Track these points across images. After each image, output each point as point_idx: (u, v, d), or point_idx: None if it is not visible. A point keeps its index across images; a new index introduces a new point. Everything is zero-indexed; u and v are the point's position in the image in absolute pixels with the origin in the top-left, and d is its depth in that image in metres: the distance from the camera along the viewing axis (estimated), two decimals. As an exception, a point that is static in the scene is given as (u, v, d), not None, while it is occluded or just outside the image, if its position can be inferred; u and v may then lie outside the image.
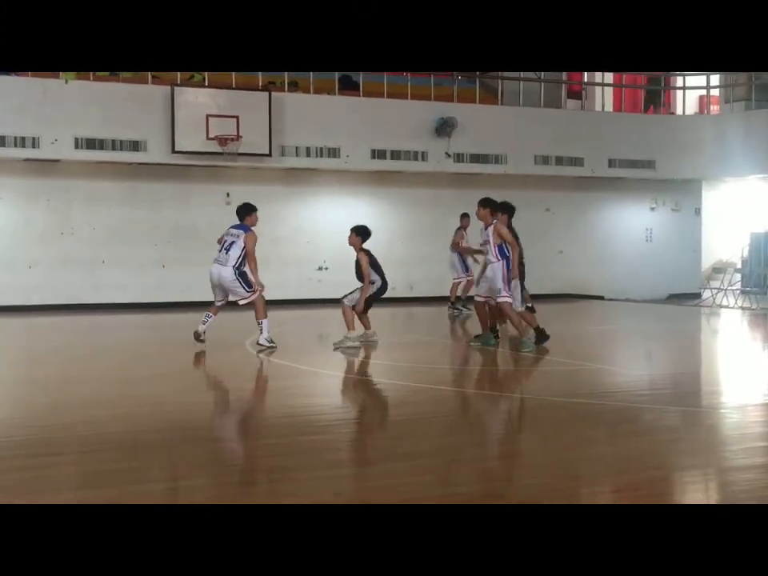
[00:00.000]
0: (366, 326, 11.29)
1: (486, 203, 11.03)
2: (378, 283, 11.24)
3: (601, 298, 20.18)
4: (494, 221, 10.93)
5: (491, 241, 10.72)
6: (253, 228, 11.19)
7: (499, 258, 10.60)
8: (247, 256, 10.94)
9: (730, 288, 18.84)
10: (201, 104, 16.93)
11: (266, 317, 10.90)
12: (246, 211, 11.32)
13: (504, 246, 10.65)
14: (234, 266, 10.95)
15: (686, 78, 22.09)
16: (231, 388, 8.89)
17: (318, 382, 9.15)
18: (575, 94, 22.18)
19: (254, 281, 10.99)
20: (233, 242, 11.01)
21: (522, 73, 20.39)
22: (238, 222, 11.30)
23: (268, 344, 10.78)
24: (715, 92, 22.15)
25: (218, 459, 5.69)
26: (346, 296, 11.33)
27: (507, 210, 11.31)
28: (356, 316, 11.12)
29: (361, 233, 11.24)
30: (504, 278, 10.47)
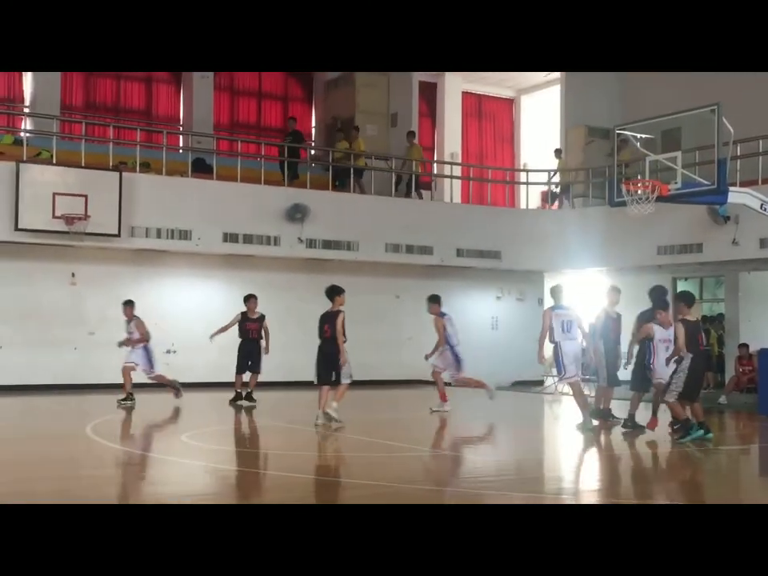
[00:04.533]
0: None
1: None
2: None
3: (448, 384, 20.50)
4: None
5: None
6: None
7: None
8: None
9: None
10: (48, 182, 16.52)
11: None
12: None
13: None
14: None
15: (529, 174, 23.16)
16: (68, 476, 8.51)
17: (161, 469, 8.87)
18: (425, 185, 22.87)
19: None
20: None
21: (374, 162, 20.91)
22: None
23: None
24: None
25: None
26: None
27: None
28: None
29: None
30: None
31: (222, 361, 18.92)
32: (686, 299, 10.89)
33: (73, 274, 18.18)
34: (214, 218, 18.26)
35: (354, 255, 19.81)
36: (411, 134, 21.85)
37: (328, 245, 19.49)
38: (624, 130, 13.75)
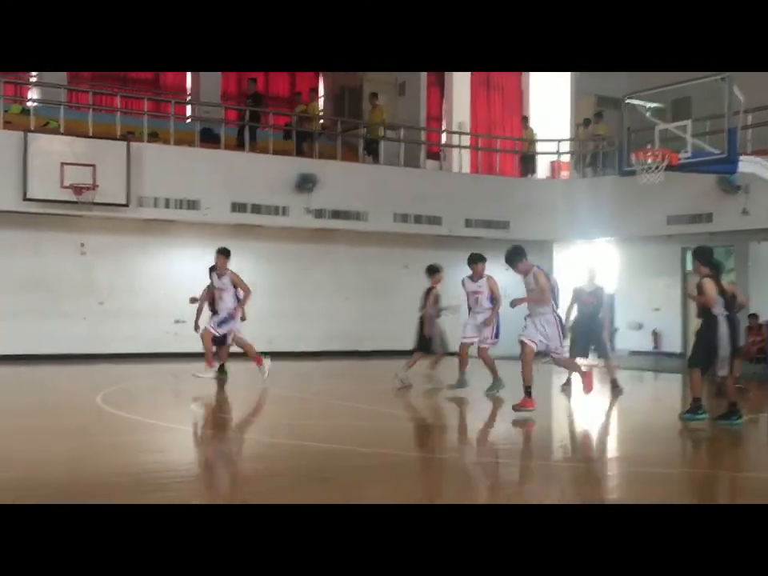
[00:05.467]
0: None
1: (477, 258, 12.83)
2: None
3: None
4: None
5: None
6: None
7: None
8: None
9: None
10: (56, 151, 16.51)
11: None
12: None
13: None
14: None
15: (538, 144, 23.02)
16: (80, 443, 8.56)
17: (170, 437, 8.92)
18: (434, 155, 22.76)
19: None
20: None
21: (382, 132, 20.80)
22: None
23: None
24: (566, 158, 23.13)
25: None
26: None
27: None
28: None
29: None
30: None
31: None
32: (700, 256, 10.02)
33: (82, 244, 18.21)
34: (222, 188, 18.23)
35: (362, 225, 19.77)
36: (374, 95, 21.52)
37: (336, 215, 19.45)
38: (634, 99, 13.63)
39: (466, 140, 23.41)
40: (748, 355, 17.02)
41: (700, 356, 9.67)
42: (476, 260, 12.89)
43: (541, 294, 10.04)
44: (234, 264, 19.61)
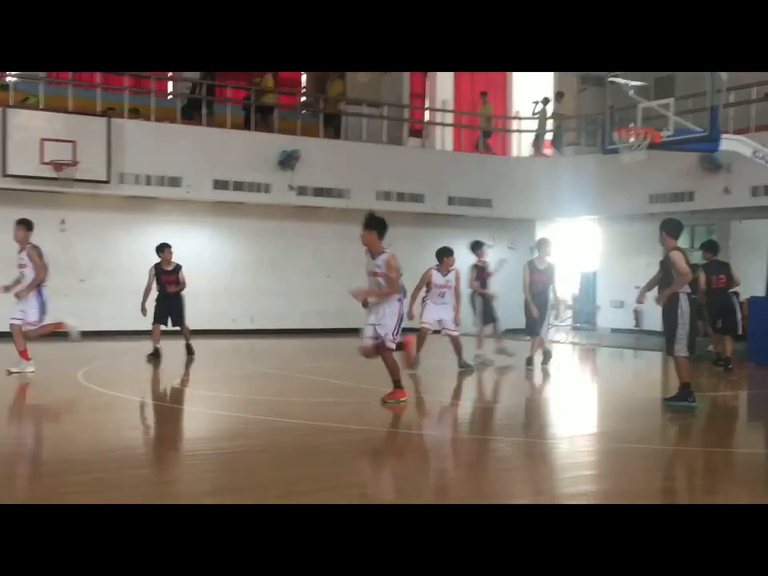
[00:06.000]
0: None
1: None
2: None
3: (439, 332, 20.55)
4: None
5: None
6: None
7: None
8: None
9: (561, 324, 19.60)
10: (36, 127, 16.35)
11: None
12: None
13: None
14: None
15: (522, 121, 22.99)
16: (62, 420, 8.54)
17: (151, 414, 8.91)
18: (416, 133, 22.70)
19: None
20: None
21: (364, 109, 20.71)
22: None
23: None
24: (549, 136, 23.10)
25: (36, 496, 5.44)
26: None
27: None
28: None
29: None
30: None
31: (213, 307, 18.95)
32: (668, 228, 9.65)
33: (62, 221, 18.07)
34: (204, 165, 18.12)
35: (344, 203, 19.72)
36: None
37: (319, 192, 19.39)
38: (617, 77, 13.62)
39: (450, 118, 23.35)
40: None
41: (667, 336, 9.19)
42: (445, 253, 12.57)
43: (391, 285, 9.44)
44: (215, 242, 19.62)
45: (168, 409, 9.28)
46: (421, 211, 20.79)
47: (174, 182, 17.91)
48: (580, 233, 22.37)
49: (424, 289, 12.58)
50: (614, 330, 20.36)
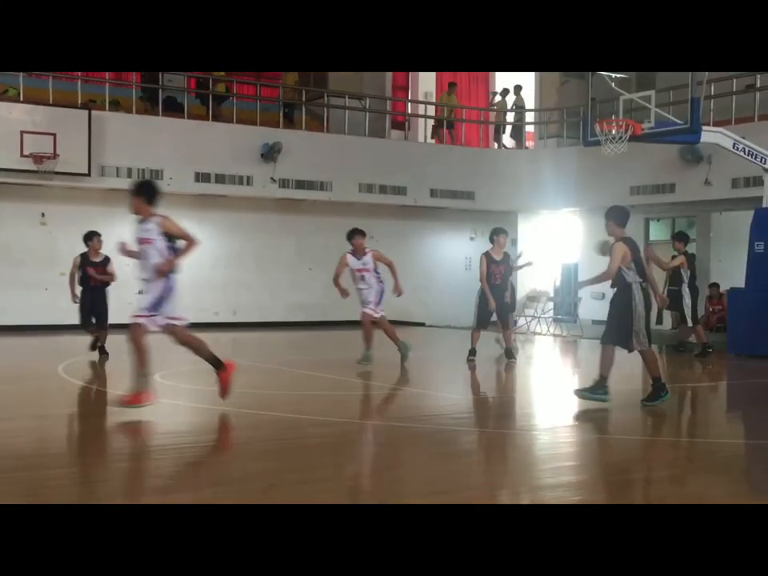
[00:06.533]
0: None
1: None
2: None
3: (422, 324, 20.61)
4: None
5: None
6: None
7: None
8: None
9: (542, 316, 19.67)
10: (15, 119, 16.26)
11: None
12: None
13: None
14: None
15: (507, 115, 23.02)
16: (42, 414, 8.51)
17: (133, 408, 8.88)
18: (399, 125, 22.69)
19: None
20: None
21: (347, 102, 20.69)
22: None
23: None
24: (530, 128, 23.15)
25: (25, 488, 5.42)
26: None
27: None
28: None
29: None
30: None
31: (195, 300, 18.88)
32: (614, 215, 9.00)
33: (43, 214, 17.99)
34: (186, 157, 18.06)
35: (327, 195, 19.71)
36: None
37: (301, 185, 19.36)
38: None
39: (432, 110, 23.34)
40: (708, 324, 17.24)
41: (614, 331, 8.66)
42: (353, 234, 12.09)
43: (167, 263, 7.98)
44: (198, 234, 19.40)
45: (152, 403, 9.25)
46: (403, 204, 20.80)
47: (156, 174, 17.83)
48: (562, 225, 22.42)
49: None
50: (594, 322, 20.42)
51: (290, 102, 20.63)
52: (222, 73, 19.59)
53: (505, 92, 22.64)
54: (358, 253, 12.06)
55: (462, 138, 22.30)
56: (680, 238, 14.29)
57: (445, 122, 22.24)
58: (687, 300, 13.87)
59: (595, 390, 8.65)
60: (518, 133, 22.72)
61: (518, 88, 22.56)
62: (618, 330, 8.58)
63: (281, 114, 19.78)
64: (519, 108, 22.58)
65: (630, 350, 8.72)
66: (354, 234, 12.09)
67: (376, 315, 12.15)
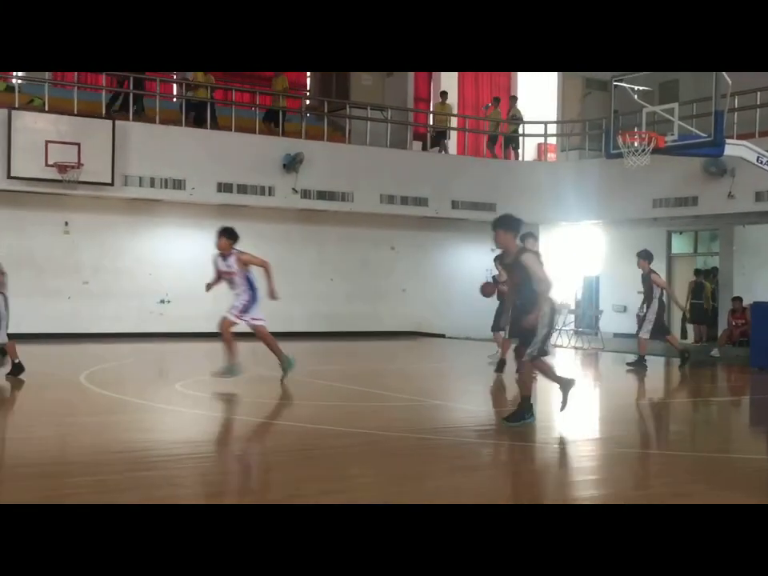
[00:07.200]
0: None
1: None
2: None
3: (442, 336, 20.58)
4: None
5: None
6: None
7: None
8: None
9: (563, 328, 19.58)
10: (40, 129, 16.39)
11: None
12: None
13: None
14: None
15: (526, 126, 23.00)
16: (64, 422, 8.55)
17: (154, 416, 8.92)
18: (420, 136, 22.73)
19: None
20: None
21: (369, 113, 20.74)
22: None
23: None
24: (552, 140, 23.13)
25: (63, 495, 5.45)
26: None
27: None
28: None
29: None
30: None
31: (216, 310, 18.93)
32: (505, 224, 8.04)
33: (66, 223, 18.11)
34: (208, 167, 18.15)
35: (348, 206, 19.74)
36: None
37: (323, 195, 19.41)
38: (621, 81, 13.63)
39: (454, 122, 23.38)
40: (731, 338, 17.13)
41: (525, 342, 7.94)
42: (217, 234, 10.95)
43: None
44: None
45: (171, 411, 9.29)
46: (424, 215, 20.80)
47: (178, 184, 17.94)
48: (583, 237, 22.36)
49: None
50: (616, 335, 20.33)
51: (278, 109, 20.64)
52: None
53: (496, 101, 22.83)
54: (224, 254, 10.96)
55: (504, 152, 22.48)
56: (644, 256, 13.99)
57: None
58: (651, 315, 13.72)
59: (520, 416, 8.04)
60: (513, 143, 22.73)
61: (513, 99, 22.74)
62: (526, 339, 7.90)
63: (302, 125, 19.81)
64: (515, 119, 22.65)
65: (520, 357, 8.01)
66: (218, 234, 10.97)
67: (237, 321, 10.97)
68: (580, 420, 9.31)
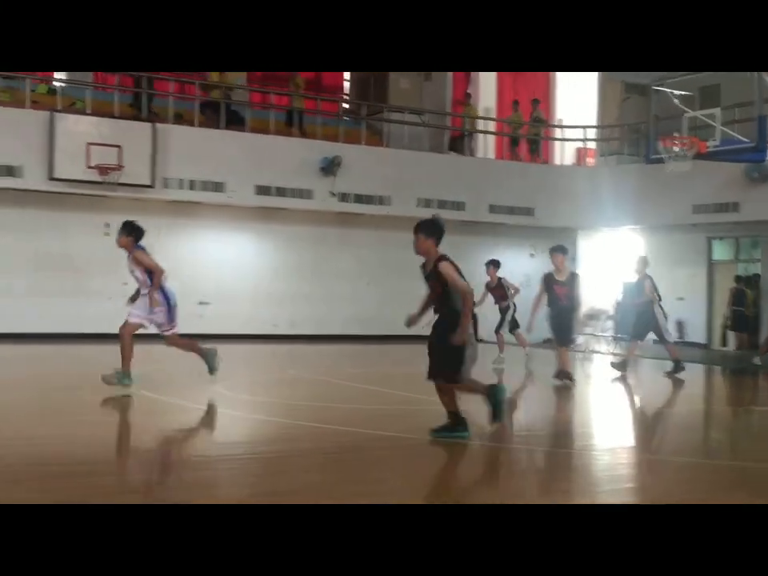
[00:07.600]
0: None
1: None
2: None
3: (480, 341, 20.46)
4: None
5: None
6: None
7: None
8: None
9: (602, 334, 19.45)
10: (82, 132, 16.60)
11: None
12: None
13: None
14: None
15: (565, 130, 22.88)
16: (104, 422, 8.64)
17: (192, 417, 8.98)
18: (458, 140, 22.68)
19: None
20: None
21: (406, 116, 20.74)
22: None
23: None
24: (592, 144, 22.99)
25: (93, 495, 5.50)
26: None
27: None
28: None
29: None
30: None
31: (254, 312, 19.08)
32: (426, 229, 7.74)
33: (107, 225, 18.28)
34: (247, 170, 18.27)
35: (385, 210, 19.76)
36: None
37: (360, 199, 19.45)
38: (661, 86, 13.53)
39: (492, 125, 23.31)
40: (763, 349, 16.89)
41: (447, 361, 7.36)
42: (119, 231, 10.43)
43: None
44: (257, 247, 19.69)
45: (208, 412, 9.35)
46: (461, 219, 20.74)
47: (218, 187, 18.07)
48: (622, 243, 22.18)
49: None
50: (655, 342, 20.15)
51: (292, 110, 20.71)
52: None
53: (516, 104, 22.78)
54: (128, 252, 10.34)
55: (544, 156, 22.38)
56: (560, 250, 12.52)
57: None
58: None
59: (453, 429, 7.48)
60: (535, 146, 22.64)
61: (535, 102, 22.65)
62: (453, 360, 7.32)
63: (340, 129, 19.86)
64: (537, 121, 22.58)
65: (456, 381, 7.42)
66: (120, 231, 10.53)
67: (137, 324, 10.52)
68: (618, 427, 9.24)
